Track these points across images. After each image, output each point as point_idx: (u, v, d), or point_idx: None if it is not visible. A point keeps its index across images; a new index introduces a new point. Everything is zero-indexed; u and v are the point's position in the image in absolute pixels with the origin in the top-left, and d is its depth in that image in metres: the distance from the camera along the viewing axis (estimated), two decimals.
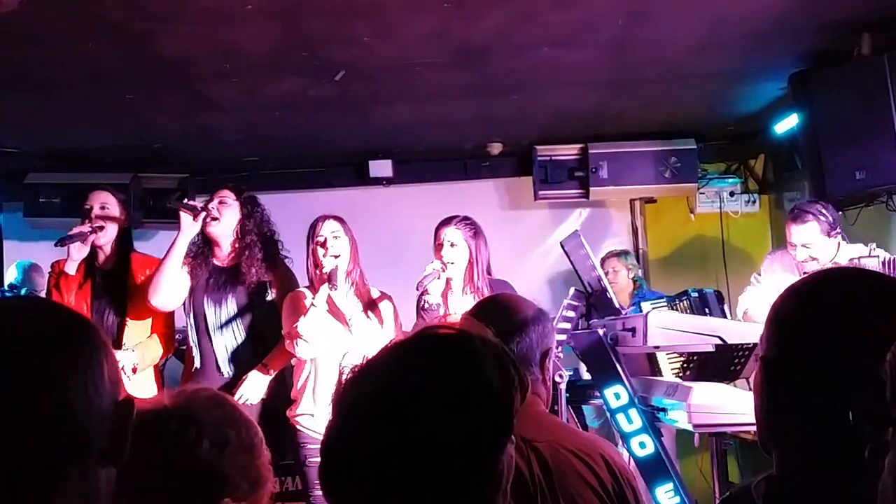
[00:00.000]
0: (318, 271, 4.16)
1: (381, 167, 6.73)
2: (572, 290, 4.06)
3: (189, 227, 4.26)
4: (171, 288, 4.29)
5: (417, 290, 4.22)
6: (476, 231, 4.34)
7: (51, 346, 1.11)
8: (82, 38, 4.16)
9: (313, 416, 4.10)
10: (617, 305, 4.00)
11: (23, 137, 6.02)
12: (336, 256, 4.13)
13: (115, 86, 4.88)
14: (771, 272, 5.16)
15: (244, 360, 4.29)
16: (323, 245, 4.14)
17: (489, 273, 4.35)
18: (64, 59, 4.43)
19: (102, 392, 1.12)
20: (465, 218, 4.38)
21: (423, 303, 4.25)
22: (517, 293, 3.71)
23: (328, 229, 4.19)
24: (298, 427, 4.13)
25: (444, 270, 4.23)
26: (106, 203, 4.50)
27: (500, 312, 2.28)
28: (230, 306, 4.31)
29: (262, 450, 1.77)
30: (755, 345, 4.40)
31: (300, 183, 6.98)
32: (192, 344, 4.38)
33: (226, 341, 4.30)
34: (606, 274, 6.10)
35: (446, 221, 4.36)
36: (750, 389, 4.75)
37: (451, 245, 4.28)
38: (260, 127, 5.92)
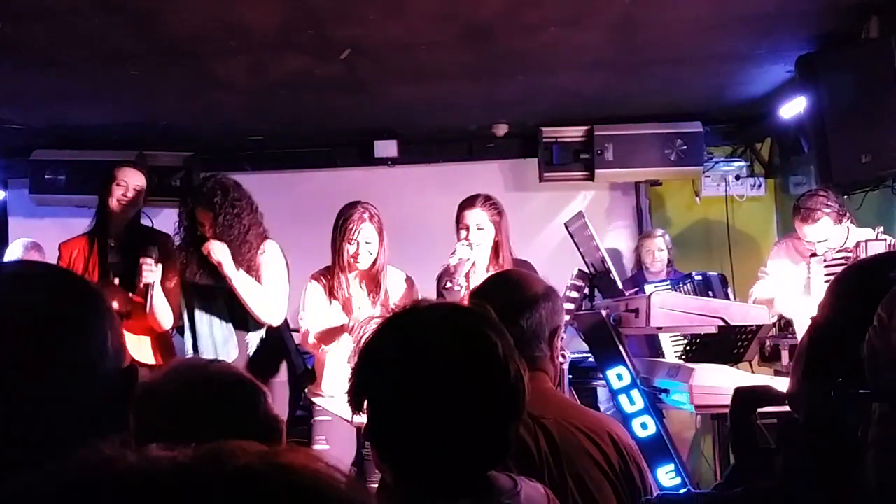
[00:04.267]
0: (343, 268, 4.19)
1: (386, 147, 6.72)
2: (576, 271, 4.06)
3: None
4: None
5: (448, 278, 4.21)
6: (500, 210, 4.31)
7: (54, 310, 1.10)
8: (89, 15, 4.16)
9: (332, 396, 4.19)
10: (621, 286, 4.00)
11: (28, 114, 6.02)
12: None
13: (121, 63, 4.88)
14: (778, 260, 5.17)
15: (222, 344, 4.28)
16: (355, 252, 4.13)
17: (511, 252, 4.34)
18: (70, 35, 4.42)
19: (106, 358, 1.12)
20: (488, 198, 4.32)
21: (444, 282, 4.24)
22: (531, 271, 3.73)
23: (364, 236, 4.13)
24: (314, 402, 4.27)
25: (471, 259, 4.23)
26: (138, 185, 4.54)
27: (510, 289, 2.28)
28: (211, 292, 4.29)
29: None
30: (759, 327, 4.42)
31: (305, 162, 6.98)
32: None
33: (207, 326, 4.28)
34: (658, 251, 6.16)
35: (470, 203, 4.28)
36: (752, 372, 4.79)
37: (478, 228, 4.24)
38: (265, 105, 5.91)
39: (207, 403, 1.61)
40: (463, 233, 4.26)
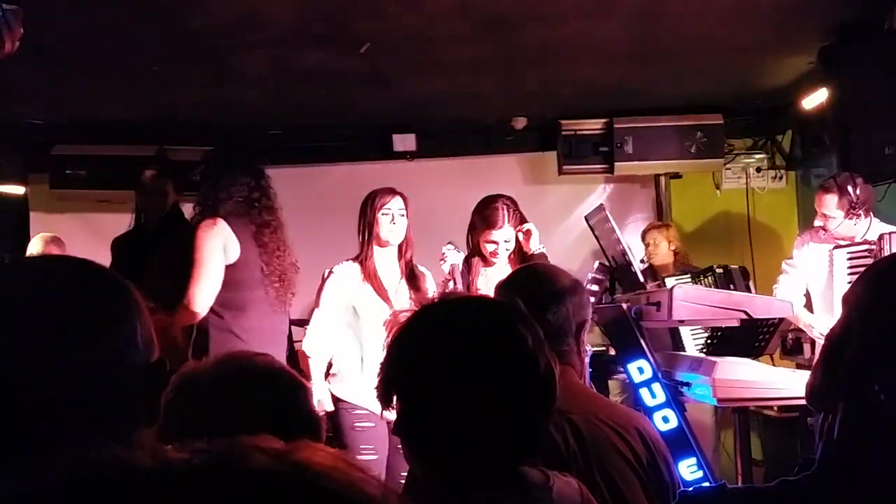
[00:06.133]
0: (371, 242, 4.17)
1: (404, 141, 6.71)
2: (596, 264, 4.05)
3: None
4: None
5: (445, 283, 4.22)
6: (521, 214, 4.36)
7: (80, 302, 1.10)
8: (108, 10, 4.17)
9: (361, 388, 4.11)
10: (642, 279, 3.98)
11: (48, 109, 6.04)
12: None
13: (141, 57, 4.89)
14: (804, 247, 5.09)
15: None
16: (391, 220, 4.15)
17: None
18: (89, 30, 4.44)
19: (134, 350, 1.12)
20: (509, 206, 4.30)
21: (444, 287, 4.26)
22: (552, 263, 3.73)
23: (396, 205, 4.18)
24: (340, 398, 4.13)
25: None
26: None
27: (537, 282, 2.27)
28: None
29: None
30: (781, 320, 4.39)
31: (324, 156, 6.98)
32: None
33: None
34: (647, 246, 6.09)
35: (495, 221, 4.26)
36: (773, 365, 4.75)
37: (506, 241, 4.29)
38: (284, 100, 5.92)
39: (241, 396, 1.60)
40: (491, 247, 4.26)
